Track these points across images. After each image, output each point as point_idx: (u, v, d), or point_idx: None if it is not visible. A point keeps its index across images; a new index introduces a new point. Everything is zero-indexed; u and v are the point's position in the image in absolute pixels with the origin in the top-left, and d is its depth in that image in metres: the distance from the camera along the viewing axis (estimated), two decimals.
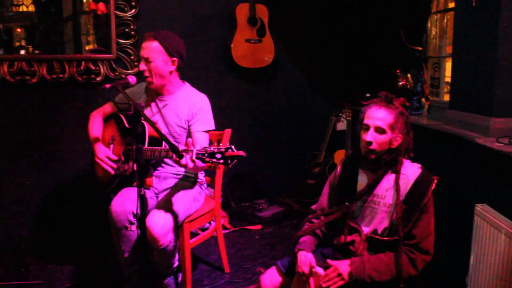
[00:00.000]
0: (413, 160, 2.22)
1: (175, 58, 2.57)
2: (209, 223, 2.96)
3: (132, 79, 2.43)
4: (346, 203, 2.30)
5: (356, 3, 4.29)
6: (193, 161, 2.07)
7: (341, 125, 4.44)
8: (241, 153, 2.03)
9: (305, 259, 2.29)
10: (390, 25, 3.92)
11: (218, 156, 2.03)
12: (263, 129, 4.31)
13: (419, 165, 2.19)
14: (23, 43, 3.51)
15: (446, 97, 3.81)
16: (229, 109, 4.08)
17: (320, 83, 4.46)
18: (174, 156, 2.11)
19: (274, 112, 4.36)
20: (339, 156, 4.32)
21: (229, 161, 2.03)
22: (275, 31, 4.08)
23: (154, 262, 2.57)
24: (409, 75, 3.76)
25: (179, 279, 2.79)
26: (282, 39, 4.19)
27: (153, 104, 2.69)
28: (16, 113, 3.51)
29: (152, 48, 2.51)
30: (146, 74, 2.55)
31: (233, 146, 2.04)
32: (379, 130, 2.11)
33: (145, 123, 2.29)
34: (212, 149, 2.04)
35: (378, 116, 2.12)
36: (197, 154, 2.05)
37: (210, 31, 3.97)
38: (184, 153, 2.09)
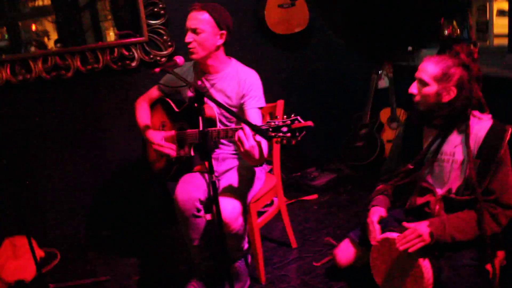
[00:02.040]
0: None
1: (224, 31, 2.43)
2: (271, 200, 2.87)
3: (180, 59, 2.30)
4: (410, 166, 2.22)
5: None
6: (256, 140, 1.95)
7: (383, 83, 4.28)
8: (309, 123, 1.85)
9: (375, 210, 2.24)
10: None
11: (284, 129, 1.86)
12: (303, 95, 4.17)
13: (490, 116, 2.07)
14: (45, 38, 3.40)
15: (496, 41, 3.64)
16: (268, 78, 3.90)
17: (358, 41, 4.27)
18: (243, 134, 1.97)
19: (314, 77, 4.20)
20: (385, 114, 4.18)
21: (297, 134, 1.87)
22: None
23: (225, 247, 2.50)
24: (454, 23, 3.57)
25: (249, 260, 2.73)
26: (315, 1, 4.00)
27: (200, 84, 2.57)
28: (57, 110, 3.41)
29: (201, 19, 2.37)
30: (192, 45, 2.40)
31: (299, 117, 1.88)
32: (422, 82, 2.03)
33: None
34: (276, 122, 1.88)
35: (423, 67, 2.04)
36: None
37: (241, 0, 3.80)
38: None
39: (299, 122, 1.87)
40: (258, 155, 2.11)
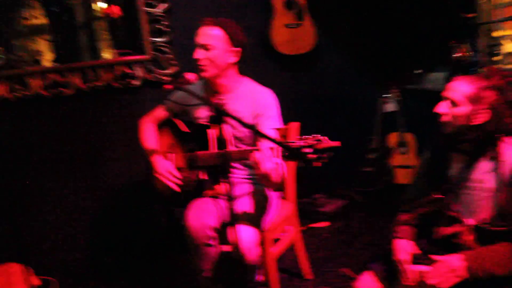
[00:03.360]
0: None
1: (237, 49, 2.29)
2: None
3: (191, 76, 2.15)
4: (435, 195, 2.07)
5: None
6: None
7: (391, 107, 4.17)
8: (337, 143, 1.71)
9: (403, 245, 2.05)
10: None
11: (309, 150, 1.72)
12: (309, 119, 4.00)
13: None
14: (41, 56, 3.27)
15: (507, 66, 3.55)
16: None
17: (365, 64, 4.19)
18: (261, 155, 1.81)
19: (320, 100, 4.08)
20: (394, 139, 4.06)
21: (324, 155, 1.72)
22: (314, 14, 3.78)
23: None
24: (465, 45, 3.49)
25: None
26: (322, 22, 3.88)
27: None
28: (57, 129, 3.28)
29: (213, 35, 2.23)
30: (203, 62, 2.25)
31: (326, 137, 1.75)
32: (452, 102, 1.89)
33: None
34: (299, 143, 1.72)
35: (454, 86, 1.90)
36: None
37: (246, 20, 3.65)
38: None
39: (326, 142, 1.72)
40: (276, 178, 1.94)
